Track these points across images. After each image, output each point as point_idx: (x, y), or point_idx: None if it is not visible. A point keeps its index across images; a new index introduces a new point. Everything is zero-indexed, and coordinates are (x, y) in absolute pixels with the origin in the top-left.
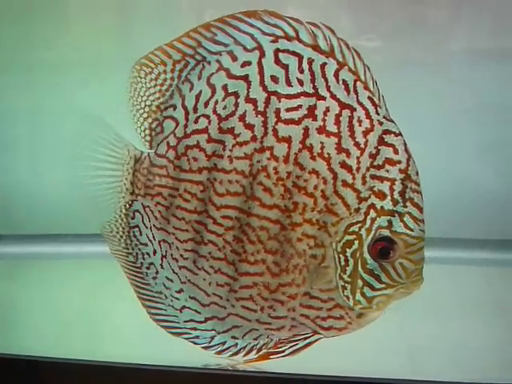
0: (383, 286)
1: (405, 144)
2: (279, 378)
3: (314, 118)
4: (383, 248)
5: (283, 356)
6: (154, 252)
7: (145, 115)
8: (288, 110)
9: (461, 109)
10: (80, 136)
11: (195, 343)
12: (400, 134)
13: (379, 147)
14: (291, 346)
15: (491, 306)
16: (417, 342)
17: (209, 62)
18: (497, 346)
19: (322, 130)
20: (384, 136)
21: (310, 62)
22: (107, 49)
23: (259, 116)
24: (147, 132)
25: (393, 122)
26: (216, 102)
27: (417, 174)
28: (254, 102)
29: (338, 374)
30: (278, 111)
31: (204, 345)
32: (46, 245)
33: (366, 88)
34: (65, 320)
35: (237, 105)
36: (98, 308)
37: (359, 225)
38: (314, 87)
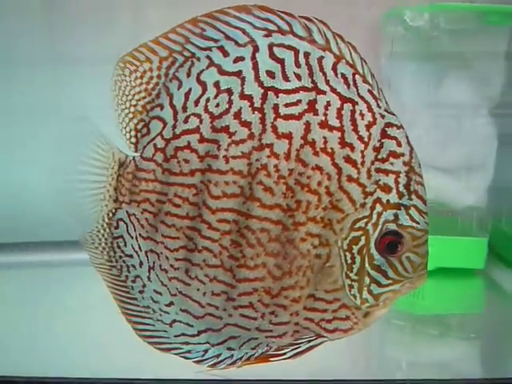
0: (390, 281)
1: (407, 137)
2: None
3: (315, 113)
4: (391, 242)
5: (284, 359)
6: (141, 264)
7: (130, 115)
8: (287, 105)
9: None
10: (64, 137)
11: (186, 358)
12: (402, 127)
13: (382, 140)
14: (293, 349)
15: None
16: None
17: (198, 59)
18: None
19: (324, 124)
20: (386, 129)
21: (307, 55)
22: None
23: (256, 113)
24: (132, 133)
25: (394, 114)
26: (207, 100)
27: (419, 166)
28: (249, 98)
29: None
30: (276, 107)
31: (196, 359)
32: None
33: (365, 81)
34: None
35: (230, 102)
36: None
37: (365, 220)
38: (313, 81)
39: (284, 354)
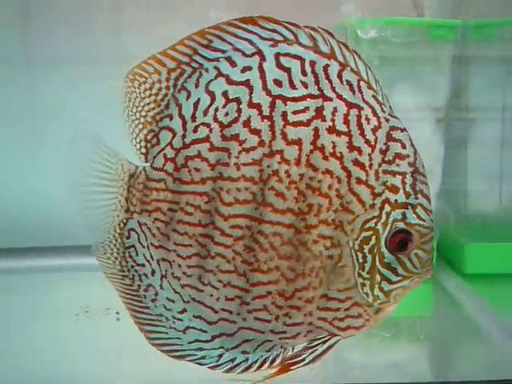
0: (400, 278)
1: (410, 139)
2: None
3: (323, 119)
4: (401, 240)
5: (304, 364)
6: (153, 272)
7: (140, 126)
8: (295, 112)
9: None
10: (70, 151)
11: (201, 364)
12: (405, 130)
13: (388, 143)
14: (311, 353)
15: None
16: None
17: (206, 69)
18: None
19: (332, 129)
20: (391, 132)
21: (313, 64)
22: None
23: (265, 120)
24: (143, 144)
25: (397, 118)
26: (216, 110)
27: (423, 166)
28: (258, 106)
29: None
30: (284, 114)
31: (211, 364)
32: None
33: (370, 87)
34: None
35: (239, 111)
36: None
37: (375, 220)
38: (319, 89)
39: (303, 359)
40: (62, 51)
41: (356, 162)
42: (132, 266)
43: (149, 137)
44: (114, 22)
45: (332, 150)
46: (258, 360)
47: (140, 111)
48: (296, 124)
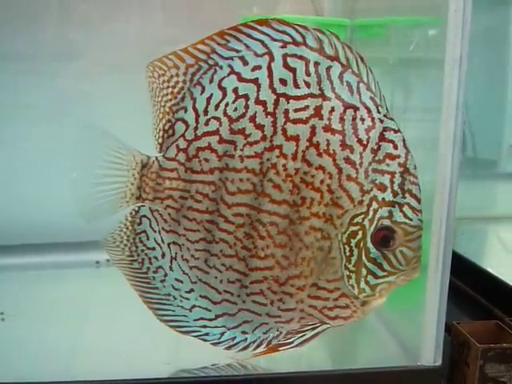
0: (385, 273)
1: (403, 140)
2: None
3: (320, 118)
4: (384, 237)
5: (292, 347)
6: (163, 255)
7: (160, 116)
8: (296, 110)
9: None
10: (81, 146)
11: (205, 340)
12: (399, 131)
13: (380, 143)
14: (299, 337)
15: None
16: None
17: (221, 67)
18: None
19: (327, 128)
20: (384, 133)
21: (317, 65)
22: None
23: (269, 117)
24: (161, 134)
25: (393, 119)
26: (227, 105)
27: (415, 167)
28: (263, 103)
29: None
30: (286, 112)
31: (213, 341)
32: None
33: (368, 89)
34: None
35: (247, 107)
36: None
37: (362, 216)
38: (320, 89)
39: (292, 342)
40: (9, 47)
41: (347, 160)
42: (142, 250)
43: (166, 127)
44: (64, 17)
45: (326, 147)
46: (255, 341)
47: (160, 101)
48: (296, 121)
